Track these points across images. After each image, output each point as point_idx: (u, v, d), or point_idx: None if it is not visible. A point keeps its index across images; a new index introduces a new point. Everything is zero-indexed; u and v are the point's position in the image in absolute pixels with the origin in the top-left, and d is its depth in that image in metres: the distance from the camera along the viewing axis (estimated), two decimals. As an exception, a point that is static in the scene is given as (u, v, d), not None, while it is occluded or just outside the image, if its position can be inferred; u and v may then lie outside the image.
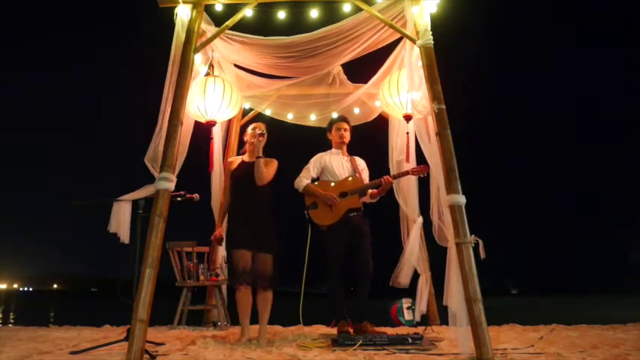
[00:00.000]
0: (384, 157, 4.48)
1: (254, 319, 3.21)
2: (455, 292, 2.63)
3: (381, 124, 4.72)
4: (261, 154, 3.28)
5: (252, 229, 3.20)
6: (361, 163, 3.83)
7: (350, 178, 3.62)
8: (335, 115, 4.48)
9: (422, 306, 4.16)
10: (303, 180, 3.66)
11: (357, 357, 2.55)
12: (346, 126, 3.81)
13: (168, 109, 3.05)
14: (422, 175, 3.63)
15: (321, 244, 3.56)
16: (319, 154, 3.81)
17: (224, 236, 3.48)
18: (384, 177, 3.59)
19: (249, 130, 3.46)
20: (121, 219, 3.23)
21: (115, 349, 2.79)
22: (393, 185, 4.24)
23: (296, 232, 3.80)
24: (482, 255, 2.66)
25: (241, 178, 3.35)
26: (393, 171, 4.22)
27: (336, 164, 3.70)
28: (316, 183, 3.69)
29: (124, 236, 3.21)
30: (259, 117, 4.89)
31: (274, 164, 3.42)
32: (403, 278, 4.02)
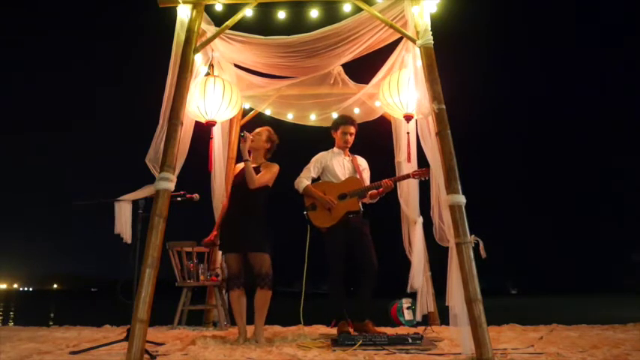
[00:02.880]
0: (387, 157, 4.49)
1: (252, 319, 3.21)
2: (456, 293, 2.63)
3: (384, 124, 4.73)
4: (247, 157, 3.25)
5: (242, 231, 3.18)
6: (363, 163, 3.82)
7: (350, 180, 3.62)
8: (335, 115, 4.49)
9: (424, 306, 4.16)
10: (304, 181, 3.65)
11: (357, 357, 2.55)
12: (353, 130, 3.78)
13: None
14: (423, 179, 3.63)
15: (321, 245, 3.56)
16: (320, 154, 3.80)
17: (214, 241, 3.48)
18: (384, 180, 3.59)
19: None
20: (123, 219, 3.23)
21: (115, 349, 2.79)
22: (396, 185, 4.25)
23: (296, 232, 3.80)
24: (483, 255, 2.66)
25: (237, 182, 3.35)
26: (396, 171, 4.23)
27: (337, 164, 3.70)
28: (319, 182, 3.69)
29: (127, 236, 3.22)
30: (259, 117, 4.89)
31: (272, 169, 3.35)
32: (417, 283, 4.08)
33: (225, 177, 4.33)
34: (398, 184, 4.29)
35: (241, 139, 3.29)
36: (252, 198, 3.25)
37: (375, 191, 3.66)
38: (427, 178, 3.55)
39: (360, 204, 3.63)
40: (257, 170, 3.30)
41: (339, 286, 3.46)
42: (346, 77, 4.52)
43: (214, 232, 3.48)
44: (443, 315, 4.36)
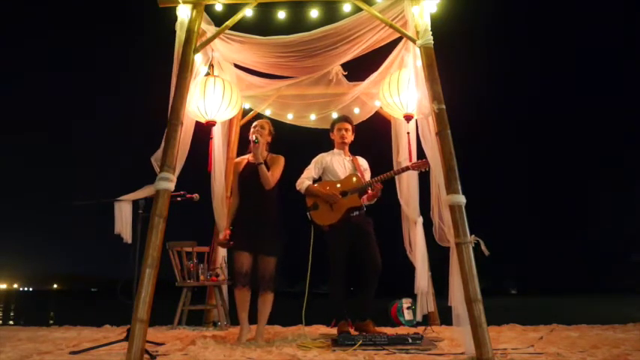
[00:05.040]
0: (387, 157, 4.49)
1: (253, 319, 3.21)
2: (458, 293, 2.63)
3: (384, 124, 4.73)
4: (261, 160, 3.24)
5: (255, 231, 3.18)
6: (363, 163, 3.82)
7: (350, 177, 3.61)
8: (335, 115, 4.49)
9: (424, 306, 4.17)
10: (305, 181, 3.66)
11: (357, 357, 2.55)
12: (347, 126, 3.79)
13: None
14: (423, 170, 3.59)
15: (322, 245, 3.56)
16: (321, 155, 3.81)
17: (229, 239, 3.46)
18: (377, 184, 3.54)
19: (252, 127, 3.42)
20: (123, 219, 3.23)
21: (115, 349, 2.79)
22: (396, 185, 4.26)
23: (296, 233, 3.80)
24: (486, 252, 2.66)
25: (247, 179, 3.31)
26: None
27: (337, 164, 3.70)
28: (320, 182, 3.69)
29: (127, 236, 3.21)
30: (259, 117, 4.90)
31: (280, 163, 3.35)
32: (422, 284, 4.11)
33: (225, 177, 4.34)
34: (398, 183, 4.30)
35: (254, 144, 3.25)
36: (267, 196, 3.26)
37: (370, 192, 3.63)
38: (427, 169, 3.50)
39: (371, 199, 3.64)
40: (265, 165, 3.28)
41: (340, 285, 3.46)
42: (343, 77, 4.52)
43: (227, 230, 3.42)
44: (443, 315, 4.36)
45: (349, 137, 3.79)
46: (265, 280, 3.13)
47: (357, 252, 3.47)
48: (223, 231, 3.49)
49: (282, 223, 3.31)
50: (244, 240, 3.21)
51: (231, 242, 3.32)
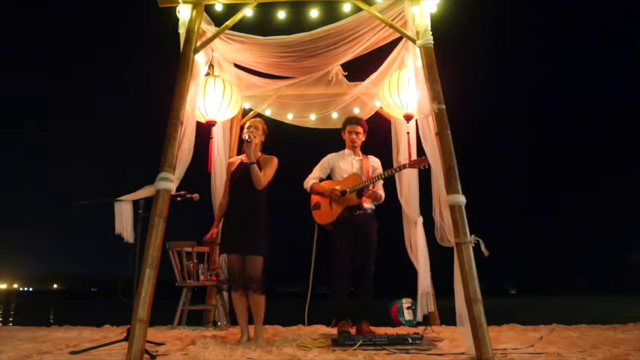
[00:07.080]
0: (387, 157, 4.49)
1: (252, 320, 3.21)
2: (461, 293, 2.63)
3: (384, 124, 4.73)
4: (254, 160, 3.21)
5: (242, 232, 3.15)
6: (374, 163, 3.78)
7: (351, 177, 3.59)
8: (335, 115, 4.49)
9: (424, 306, 4.17)
10: (310, 180, 3.68)
11: (357, 357, 2.55)
12: (359, 129, 3.73)
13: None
14: (423, 167, 3.54)
15: (325, 245, 3.56)
16: (330, 155, 3.80)
17: (215, 239, 3.44)
18: (372, 178, 3.52)
19: (245, 128, 3.40)
20: (124, 220, 3.23)
21: (115, 349, 2.79)
22: (396, 185, 4.26)
23: (298, 234, 3.80)
24: (486, 253, 2.65)
25: (238, 179, 3.30)
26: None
27: (346, 164, 3.69)
28: (323, 182, 3.70)
29: (128, 236, 3.21)
30: (259, 117, 4.90)
31: (273, 164, 3.31)
32: (426, 284, 4.13)
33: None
34: (398, 183, 4.30)
35: (247, 143, 3.23)
36: (256, 197, 3.23)
37: (370, 192, 3.59)
38: (426, 167, 3.43)
39: (369, 202, 3.58)
40: (257, 165, 3.24)
41: (341, 285, 3.45)
42: (343, 77, 4.52)
43: (214, 229, 3.42)
44: (443, 315, 4.36)
45: (359, 140, 3.74)
46: (253, 281, 3.09)
47: (355, 253, 3.46)
48: (212, 229, 3.45)
49: (270, 224, 3.26)
50: (233, 242, 3.20)
51: (218, 242, 3.32)
